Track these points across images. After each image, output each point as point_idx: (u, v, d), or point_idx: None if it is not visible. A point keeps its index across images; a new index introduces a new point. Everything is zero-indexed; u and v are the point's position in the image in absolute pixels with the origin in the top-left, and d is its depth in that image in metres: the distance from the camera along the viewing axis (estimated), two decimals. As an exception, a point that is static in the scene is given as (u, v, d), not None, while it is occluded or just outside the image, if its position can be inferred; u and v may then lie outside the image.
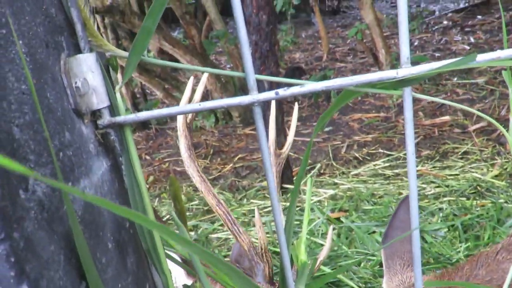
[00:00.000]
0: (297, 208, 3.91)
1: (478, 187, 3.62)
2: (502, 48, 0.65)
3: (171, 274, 0.90)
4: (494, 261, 1.61)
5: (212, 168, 5.33)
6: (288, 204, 3.96)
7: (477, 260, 1.60)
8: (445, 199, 3.56)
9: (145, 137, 6.46)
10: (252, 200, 4.27)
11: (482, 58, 0.63)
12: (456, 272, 1.58)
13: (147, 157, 5.84)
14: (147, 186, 5.20)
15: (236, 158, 5.35)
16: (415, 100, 5.48)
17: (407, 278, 1.46)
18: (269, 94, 0.67)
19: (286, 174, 4.17)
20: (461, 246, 2.95)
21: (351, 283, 2.73)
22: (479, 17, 9.65)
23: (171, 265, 1.31)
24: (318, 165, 4.68)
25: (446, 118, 5.15)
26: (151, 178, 5.23)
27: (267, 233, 3.54)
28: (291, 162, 4.84)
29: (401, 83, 0.65)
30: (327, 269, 2.93)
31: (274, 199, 0.75)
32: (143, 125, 6.59)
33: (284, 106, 4.46)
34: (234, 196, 4.53)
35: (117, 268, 0.70)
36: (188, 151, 1.55)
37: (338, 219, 3.61)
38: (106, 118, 0.72)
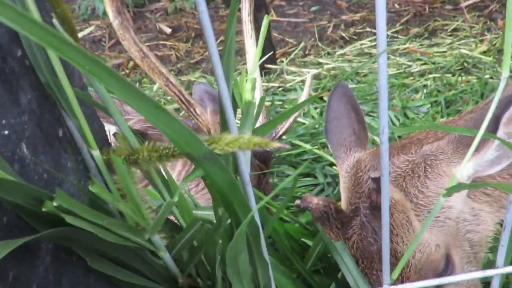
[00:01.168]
0: (280, 88, 3.84)
1: (465, 63, 3.53)
2: None
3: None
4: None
5: (194, 52, 5.15)
6: (270, 84, 3.88)
7: (425, 135, 1.56)
8: (430, 76, 3.48)
9: (124, 21, 6.16)
10: (234, 82, 4.16)
11: None
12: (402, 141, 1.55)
13: (127, 42, 5.60)
14: (128, 72, 5.06)
15: (218, 41, 5.15)
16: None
17: (352, 160, 1.47)
18: None
19: (268, 53, 4.04)
20: (442, 121, 2.93)
21: (330, 158, 2.73)
22: None
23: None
24: (302, 44, 4.52)
25: (438, -6, 4.91)
26: (131, 63, 5.06)
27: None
28: (275, 43, 4.68)
29: None
30: (308, 146, 2.92)
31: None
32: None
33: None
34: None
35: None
36: (118, 16, 1.19)
37: (321, 98, 3.55)
38: None
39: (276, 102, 3.61)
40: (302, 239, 1.47)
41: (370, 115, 3.17)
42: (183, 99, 1.37)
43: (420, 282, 1.04)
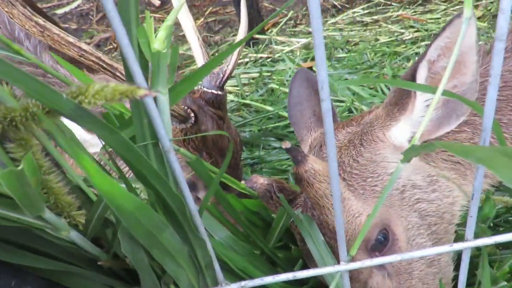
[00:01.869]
0: (269, 59, 3.70)
1: (459, 30, 3.38)
2: None
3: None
4: None
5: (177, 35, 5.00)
6: (258, 55, 3.74)
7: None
8: (422, 43, 3.34)
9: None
10: (222, 54, 4.02)
11: None
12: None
13: None
14: (115, 46, 4.90)
15: (207, 12, 4.99)
16: None
17: (314, 139, 1.44)
18: None
19: (256, 24, 3.89)
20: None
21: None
22: None
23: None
24: (291, 12, 4.36)
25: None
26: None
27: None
28: (264, 14, 4.52)
29: None
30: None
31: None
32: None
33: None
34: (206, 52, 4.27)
35: None
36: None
37: (310, 68, 3.43)
38: None
39: (265, 73, 3.48)
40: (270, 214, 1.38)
41: (361, 86, 3.04)
42: (104, 65, 1.23)
43: (381, 258, 0.93)
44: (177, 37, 4.83)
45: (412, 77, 1.12)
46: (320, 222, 1.14)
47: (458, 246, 0.91)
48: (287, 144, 0.99)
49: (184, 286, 0.92)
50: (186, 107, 1.47)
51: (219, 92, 1.57)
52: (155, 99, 0.70)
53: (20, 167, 0.48)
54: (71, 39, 1.17)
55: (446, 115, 1.15)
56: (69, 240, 0.75)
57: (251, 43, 3.87)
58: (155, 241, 0.75)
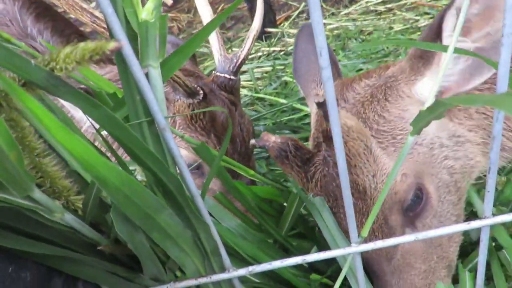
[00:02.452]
0: (282, 52, 3.66)
1: (476, 14, 3.29)
2: None
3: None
4: None
5: (196, 22, 4.99)
6: (271, 49, 3.70)
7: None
8: (439, 29, 3.25)
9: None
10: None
11: None
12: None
13: None
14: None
15: (219, 9, 4.97)
16: None
17: (322, 92, 1.33)
18: None
19: (268, 18, 3.85)
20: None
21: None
22: None
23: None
24: (303, 5, 4.31)
25: None
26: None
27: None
28: (275, 7, 4.48)
29: None
30: (308, 109, 2.76)
31: None
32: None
33: None
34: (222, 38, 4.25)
35: None
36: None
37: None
38: None
39: (278, 67, 3.44)
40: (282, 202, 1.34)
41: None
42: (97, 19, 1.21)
43: (394, 239, 0.89)
44: (191, 35, 4.82)
45: (439, 26, 1.03)
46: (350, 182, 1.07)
47: (475, 224, 0.86)
48: (320, 98, 0.90)
49: (190, 272, 0.89)
50: (196, 86, 1.44)
51: (232, 77, 1.55)
52: (146, 74, 0.67)
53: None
54: (85, 5, 1.17)
55: (477, 66, 1.06)
56: (65, 223, 0.73)
57: (263, 37, 3.83)
58: (152, 223, 0.72)
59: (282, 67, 3.45)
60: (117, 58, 0.63)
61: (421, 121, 0.72)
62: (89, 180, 0.77)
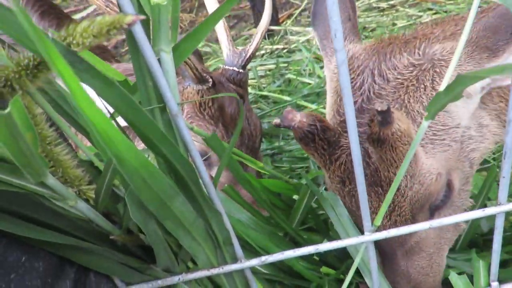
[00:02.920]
0: (285, 50, 3.66)
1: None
2: None
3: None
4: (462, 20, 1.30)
5: (198, 22, 4.98)
6: (274, 47, 3.69)
7: (443, 20, 1.31)
8: (442, 24, 3.25)
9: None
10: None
11: None
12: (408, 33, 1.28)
13: None
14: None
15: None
16: None
17: (351, 53, 1.17)
18: None
19: (272, 16, 3.85)
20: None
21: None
22: None
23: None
24: (305, 2, 4.31)
25: None
26: None
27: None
28: (277, 5, 4.48)
29: None
30: (313, 106, 2.76)
31: None
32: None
33: None
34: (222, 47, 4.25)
35: None
36: None
37: (327, 57, 3.37)
38: None
39: (281, 65, 3.43)
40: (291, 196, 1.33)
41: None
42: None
43: (408, 227, 0.88)
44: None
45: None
46: (385, 179, 1.00)
47: (491, 210, 0.85)
48: (383, 106, 0.82)
49: (202, 263, 0.88)
50: (204, 74, 1.45)
51: (241, 70, 1.55)
52: (159, 60, 0.66)
53: (6, 111, 0.45)
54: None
55: None
56: (78, 212, 0.72)
57: (266, 35, 3.83)
58: (166, 211, 0.71)
59: (286, 64, 3.44)
60: (130, 43, 0.62)
61: (437, 104, 0.71)
62: (100, 167, 0.77)
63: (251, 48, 1.56)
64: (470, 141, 1.07)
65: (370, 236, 0.87)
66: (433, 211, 1.05)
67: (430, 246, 1.06)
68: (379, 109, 0.85)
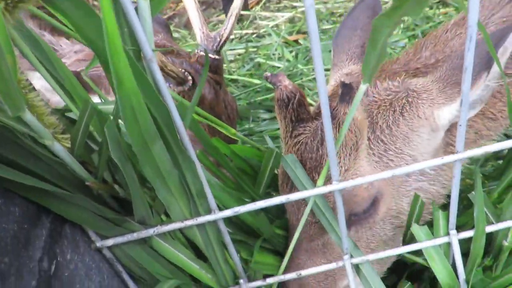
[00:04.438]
0: (254, 35, 3.69)
1: (443, -5, 3.39)
2: None
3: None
4: (441, 39, 1.43)
5: (165, 7, 4.95)
6: (244, 32, 3.72)
7: (424, 42, 1.42)
8: (407, 9, 3.33)
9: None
10: (207, 33, 3.99)
11: None
12: (395, 61, 1.41)
13: None
14: None
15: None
16: None
17: (350, 70, 1.34)
18: None
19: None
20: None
21: (309, 99, 2.61)
22: None
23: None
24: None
25: None
26: None
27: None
28: (247, -9, 4.49)
29: None
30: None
31: None
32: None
33: None
34: (190, 32, 4.25)
35: None
36: None
37: (296, 41, 3.41)
38: None
39: (251, 49, 3.46)
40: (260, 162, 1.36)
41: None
42: None
43: (373, 176, 0.93)
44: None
45: (488, 62, 1.03)
46: (321, 156, 1.11)
47: (448, 158, 0.91)
48: (349, 79, 0.92)
49: (175, 215, 0.90)
50: (183, 70, 1.45)
51: (216, 56, 1.56)
52: (136, 8, 0.69)
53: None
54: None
55: (479, 99, 1.10)
56: (55, 153, 0.73)
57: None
58: (147, 153, 0.73)
59: (255, 49, 3.47)
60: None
61: (371, 63, 0.76)
62: (75, 111, 0.78)
63: (225, 32, 1.57)
64: (420, 177, 1.15)
65: (338, 185, 0.91)
66: (352, 222, 1.12)
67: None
68: (345, 82, 0.96)
